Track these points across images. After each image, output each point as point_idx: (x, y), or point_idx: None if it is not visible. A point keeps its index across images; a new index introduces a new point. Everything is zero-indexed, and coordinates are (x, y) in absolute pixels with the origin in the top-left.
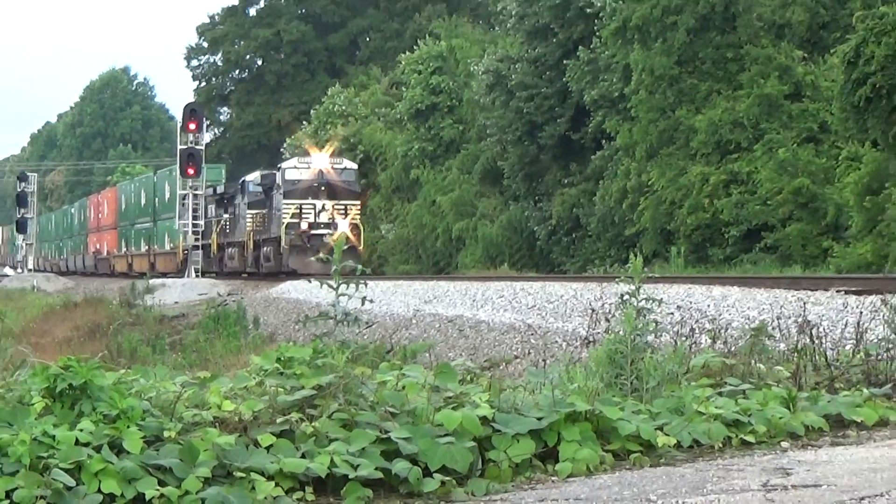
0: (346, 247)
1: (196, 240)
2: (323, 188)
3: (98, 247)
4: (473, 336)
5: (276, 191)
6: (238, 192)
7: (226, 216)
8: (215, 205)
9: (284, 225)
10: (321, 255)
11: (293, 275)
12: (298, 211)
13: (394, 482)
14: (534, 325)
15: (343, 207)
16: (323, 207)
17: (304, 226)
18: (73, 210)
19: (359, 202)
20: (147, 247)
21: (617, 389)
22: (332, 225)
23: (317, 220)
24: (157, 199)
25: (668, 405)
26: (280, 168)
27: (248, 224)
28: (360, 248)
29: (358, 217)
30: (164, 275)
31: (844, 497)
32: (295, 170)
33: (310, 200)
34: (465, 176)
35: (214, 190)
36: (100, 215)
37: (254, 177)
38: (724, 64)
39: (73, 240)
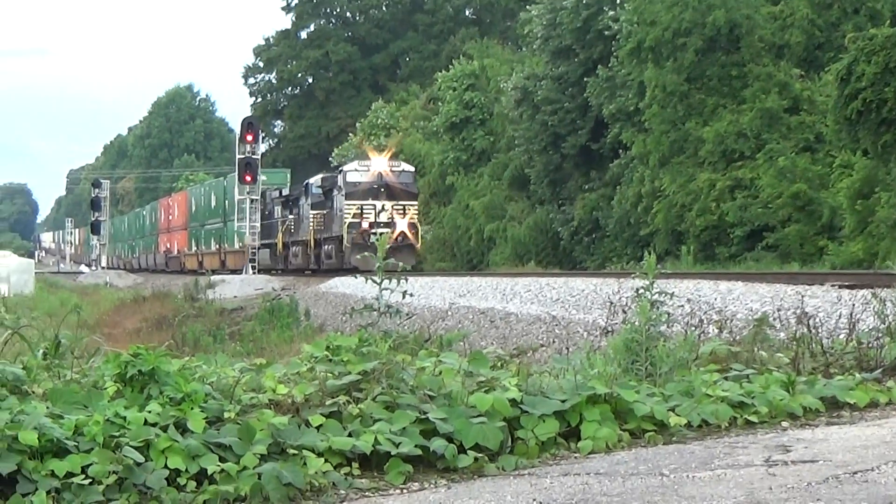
0: (404, 244)
1: (254, 239)
2: (382, 189)
3: (168, 246)
4: (503, 326)
5: (338, 192)
6: (302, 194)
7: (290, 217)
8: (281, 206)
9: (346, 224)
10: (367, 254)
11: (353, 271)
12: (359, 211)
13: (432, 458)
14: (558, 317)
15: (402, 207)
16: (382, 208)
17: (364, 225)
18: (144, 212)
19: (416, 202)
20: (217, 245)
21: (633, 374)
22: (391, 224)
23: (377, 220)
24: (226, 201)
25: (679, 388)
26: (341, 171)
27: (310, 224)
28: (418, 245)
29: (416, 216)
30: (234, 271)
31: (839, 471)
32: (356, 172)
33: (370, 201)
34: (496, 182)
35: (280, 192)
36: (170, 217)
37: (316, 179)
38: (728, 81)
39: (144, 240)
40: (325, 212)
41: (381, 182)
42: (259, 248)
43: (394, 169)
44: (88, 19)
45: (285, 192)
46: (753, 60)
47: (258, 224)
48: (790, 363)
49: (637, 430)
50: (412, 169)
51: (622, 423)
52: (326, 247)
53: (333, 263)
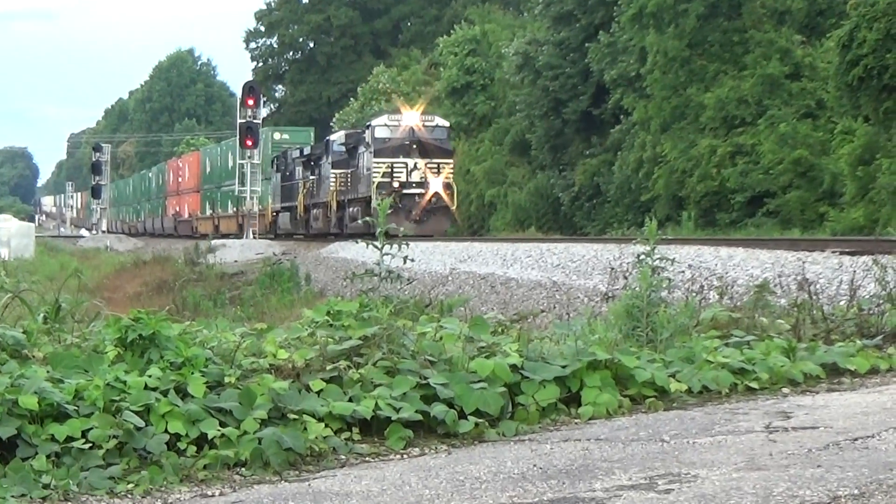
0: (438, 206)
1: (275, 202)
2: (415, 146)
3: (178, 209)
4: (504, 292)
5: (365, 149)
6: (323, 153)
7: (312, 177)
8: (302, 167)
9: (375, 184)
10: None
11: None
12: (390, 170)
13: (432, 424)
14: (558, 282)
15: (436, 166)
16: (415, 166)
17: (395, 185)
18: (150, 174)
19: (451, 161)
20: (235, 208)
21: (634, 340)
22: (424, 184)
23: (408, 180)
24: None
25: (679, 355)
26: (369, 125)
27: (332, 184)
28: (454, 207)
29: (451, 176)
30: (252, 235)
31: (839, 438)
32: (385, 127)
33: (401, 159)
34: (497, 147)
35: (301, 152)
36: (179, 179)
37: (339, 136)
38: (730, 47)
39: (150, 203)
40: (349, 171)
41: (412, 138)
42: (280, 212)
43: (427, 124)
44: None
45: (306, 150)
46: (755, 26)
47: (259, 189)
48: (791, 330)
49: (638, 396)
50: (447, 124)
51: (623, 388)
52: (351, 209)
53: (359, 227)
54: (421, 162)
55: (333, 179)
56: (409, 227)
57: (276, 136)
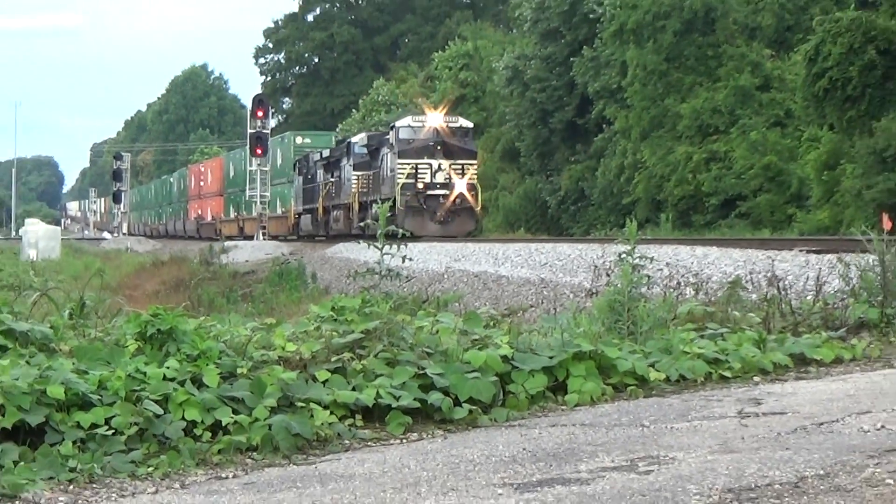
0: (463, 207)
1: (297, 204)
2: (439, 147)
3: (200, 212)
4: (495, 288)
5: (389, 150)
6: (343, 155)
7: (331, 180)
8: (323, 169)
9: (399, 185)
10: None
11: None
12: (414, 171)
13: (429, 411)
14: (546, 280)
15: (460, 167)
16: (439, 167)
17: (419, 186)
18: (171, 179)
19: (475, 162)
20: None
21: (616, 333)
22: (448, 185)
23: (433, 180)
24: (269, 165)
25: (658, 346)
26: (394, 126)
27: (353, 186)
28: (478, 208)
29: (475, 177)
30: (275, 237)
31: (806, 423)
32: (409, 129)
33: (425, 160)
34: (489, 154)
35: (321, 154)
36: (201, 183)
37: (360, 138)
38: (704, 60)
39: (172, 206)
40: (371, 172)
41: (437, 139)
42: (302, 214)
43: (451, 125)
44: (112, 4)
45: (325, 153)
46: (728, 41)
47: (268, 194)
48: (761, 322)
49: (619, 385)
50: (470, 125)
51: (606, 377)
52: (374, 210)
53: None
54: (445, 163)
55: (355, 181)
56: (433, 227)
57: (299, 140)
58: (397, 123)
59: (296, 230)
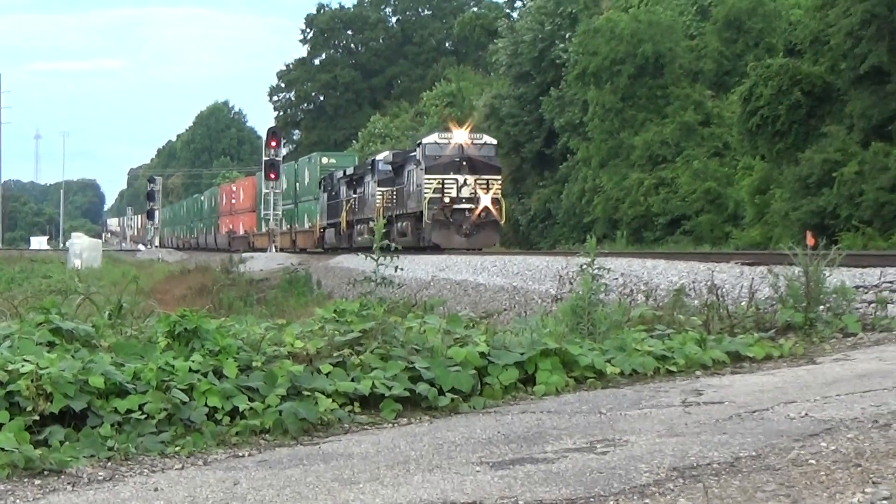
0: (488, 220)
1: (322, 219)
2: (464, 163)
3: (232, 227)
4: (474, 294)
5: (416, 166)
6: (367, 172)
7: (354, 196)
8: (345, 186)
9: (427, 200)
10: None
11: (435, 249)
12: (441, 186)
13: (417, 399)
14: (518, 287)
15: (485, 182)
16: (465, 182)
17: (446, 200)
18: (202, 198)
19: (499, 177)
20: (289, 226)
21: (578, 333)
22: (474, 199)
23: (459, 195)
24: (297, 183)
25: (614, 344)
26: (420, 143)
27: (377, 201)
28: (502, 221)
29: (499, 192)
30: (303, 250)
31: (741, 411)
32: (436, 145)
33: (451, 175)
34: None
35: (344, 172)
36: (233, 201)
37: (385, 155)
38: (654, 100)
39: (203, 222)
40: (395, 188)
41: (462, 155)
42: (326, 228)
43: (476, 141)
44: (148, 46)
45: (349, 171)
46: (674, 83)
47: (280, 211)
48: (702, 325)
49: (581, 378)
50: (494, 142)
51: (569, 371)
52: (399, 224)
53: (409, 241)
54: (471, 178)
55: (380, 196)
56: (459, 240)
57: (324, 160)
58: (424, 140)
59: (321, 243)
